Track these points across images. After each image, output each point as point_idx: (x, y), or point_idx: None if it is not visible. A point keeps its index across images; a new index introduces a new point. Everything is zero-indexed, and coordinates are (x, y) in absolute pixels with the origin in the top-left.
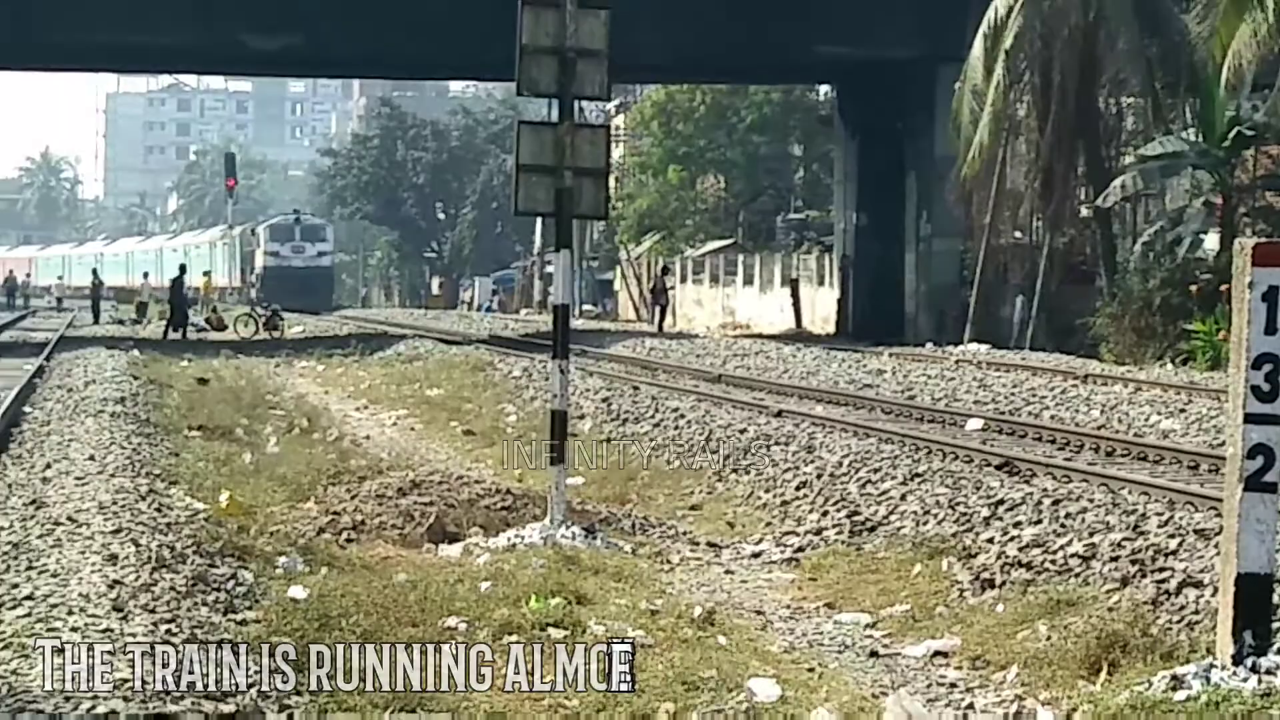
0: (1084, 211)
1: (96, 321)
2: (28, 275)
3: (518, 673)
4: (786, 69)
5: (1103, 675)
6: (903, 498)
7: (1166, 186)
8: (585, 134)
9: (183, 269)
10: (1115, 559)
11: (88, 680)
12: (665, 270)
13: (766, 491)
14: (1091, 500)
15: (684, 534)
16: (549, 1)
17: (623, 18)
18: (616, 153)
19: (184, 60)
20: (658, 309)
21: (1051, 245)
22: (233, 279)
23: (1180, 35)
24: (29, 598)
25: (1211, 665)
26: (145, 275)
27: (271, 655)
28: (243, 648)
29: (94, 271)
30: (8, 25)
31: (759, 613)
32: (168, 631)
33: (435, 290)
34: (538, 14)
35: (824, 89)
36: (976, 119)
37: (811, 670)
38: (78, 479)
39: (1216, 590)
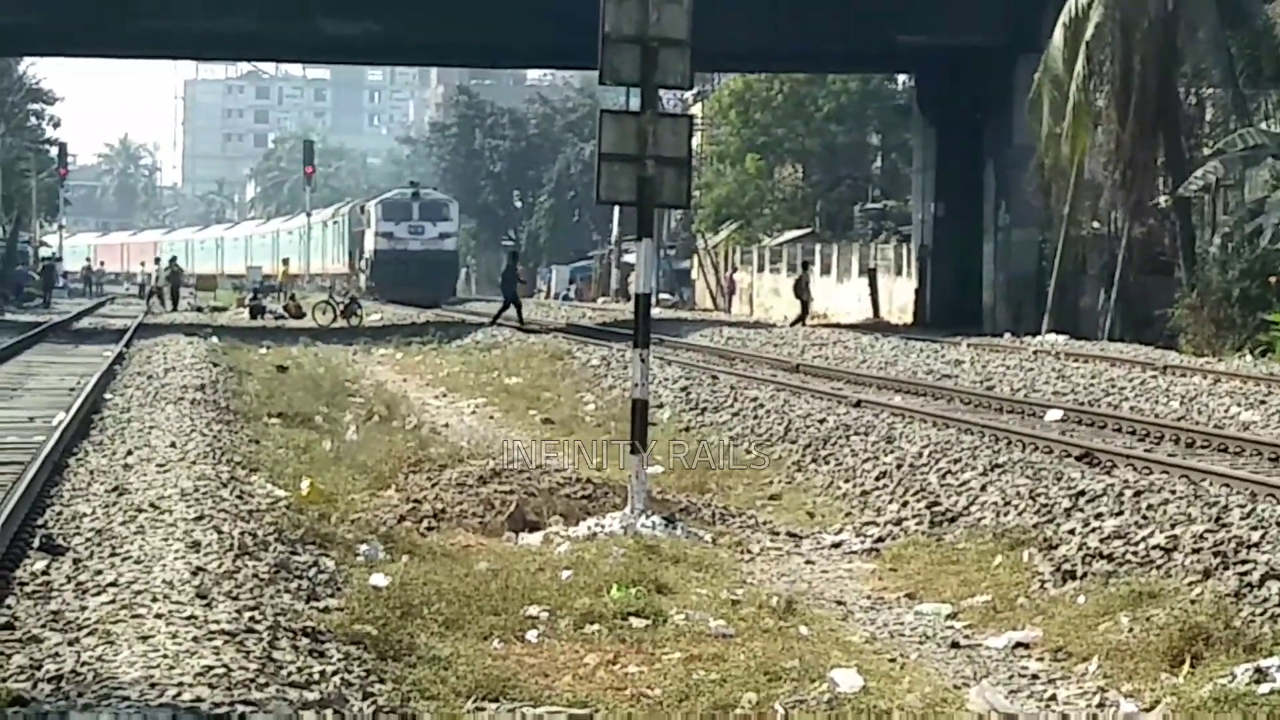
0: (1163, 202)
1: (175, 309)
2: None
3: (600, 662)
4: (865, 58)
5: (1185, 668)
6: (983, 488)
7: (1247, 178)
8: (667, 123)
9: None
10: (1197, 551)
11: (172, 668)
12: (806, 265)
13: (846, 481)
14: (1173, 492)
15: (764, 524)
16: None
17: (703, 6)
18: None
19: (263, 47)
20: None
21: (1130, 236)
22: (343, 263)
23: (1263, 25)
24: (113, 584)
25: None
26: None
27: (355, 643)
28: (326, 635)
29: (172, 259)
30: (89, 13)
31: (840, 603)
32: (251, 619)
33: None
34: (620, 3)
35: (902, 78)
36: (1056, 109)
37: (893, 661)
38: (159, 466)
39: None
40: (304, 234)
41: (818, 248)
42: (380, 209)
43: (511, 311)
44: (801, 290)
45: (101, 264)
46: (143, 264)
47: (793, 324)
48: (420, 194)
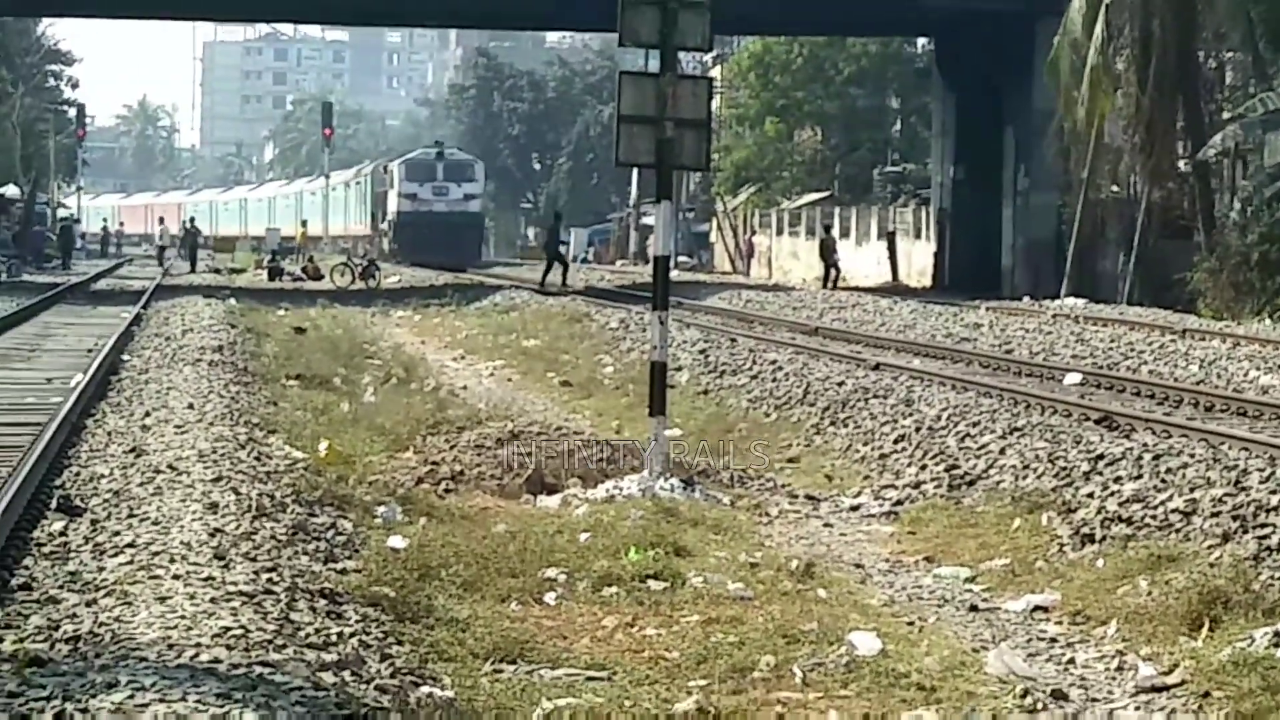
0: (1183, 166)
1: (193, 270)
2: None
3: (618, 624)
4: (885, 21)
5: (1204, 631)
6: (1002, 452)
7: (1266, 142)
8: (687, 85)
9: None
10: (1216, 515)
11: (190, 629)
12: (828, 228)
13: (864, 445)
14: (1192, 455)
15: (782, 486)
16: None
17: None
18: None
19: (282, 9)
20: (830, 268)
21: (1150, 200)
22: (365, 225)
23: None
24: (130, 545)
25: None
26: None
27: (373, 605)
28: (344, 597)
29: (190, 219)
30: None
31: (858, 566)
32: (269, 580)
33: (531, 241)
34: None
35: (922, 42)
36: (1076, 73)
37: (911, 624)
38: (177, 427)
39: None
40: (346, 189)
41: (837, 211)
42: (404, 169)
43: (555, 276)
44: (827, 253)
45: (122, 225)
46: (161, 220)
47: (825, 286)
48: (445, 154)
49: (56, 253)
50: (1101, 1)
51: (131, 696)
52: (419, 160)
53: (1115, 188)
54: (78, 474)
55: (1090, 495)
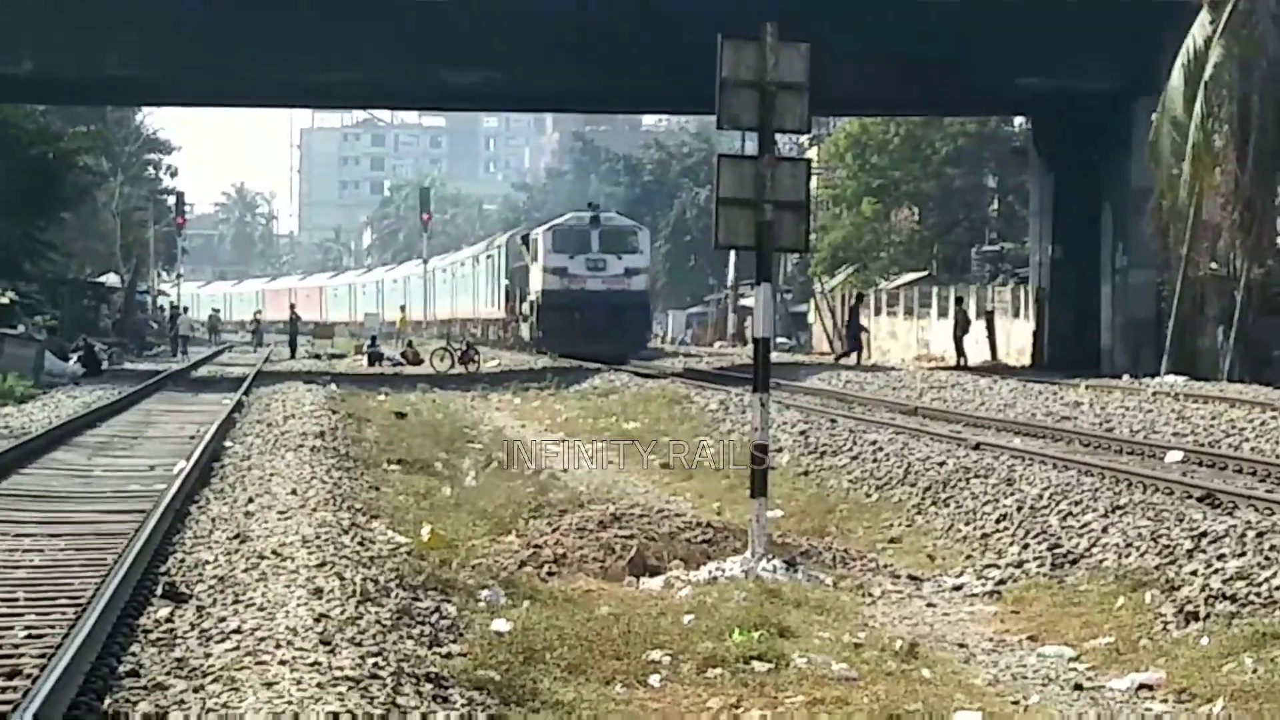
0: None
1: (293, 356)
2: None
3: (722, 705)
4: (982, 101)
5: None
6: (1104, 530)
7: None
8: (786, 167)
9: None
10: None
11: (297, 714)
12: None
13: (966, 524)
14: None
15: (885, 567)
16: (749, 35)
17: (820, 50)
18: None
19: (381, 95)
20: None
21: (1249, 277)
22: (498, 306)
23: None
24: (236, 631)
25: None
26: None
27: (478, 689)
28: (449, 681)
29: (290, 307)
30: (207, 65)
31: (962, 645)
32: (375, 665)
33: None
34: (738, 48)
35: (1019, 121)
36: (1176, 150)
37: (1016, 704)
38: (280, 513)
39: None
40: (474, 264)
41: (935, 290)
42: (550, 238)
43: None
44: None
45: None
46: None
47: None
48: (601, 218)
49: (158, 340)
50: (1200, 79)
51: None
52: (569, 227)
53: (1214, 265)
54: (183, 560)
55: (1194, 573)
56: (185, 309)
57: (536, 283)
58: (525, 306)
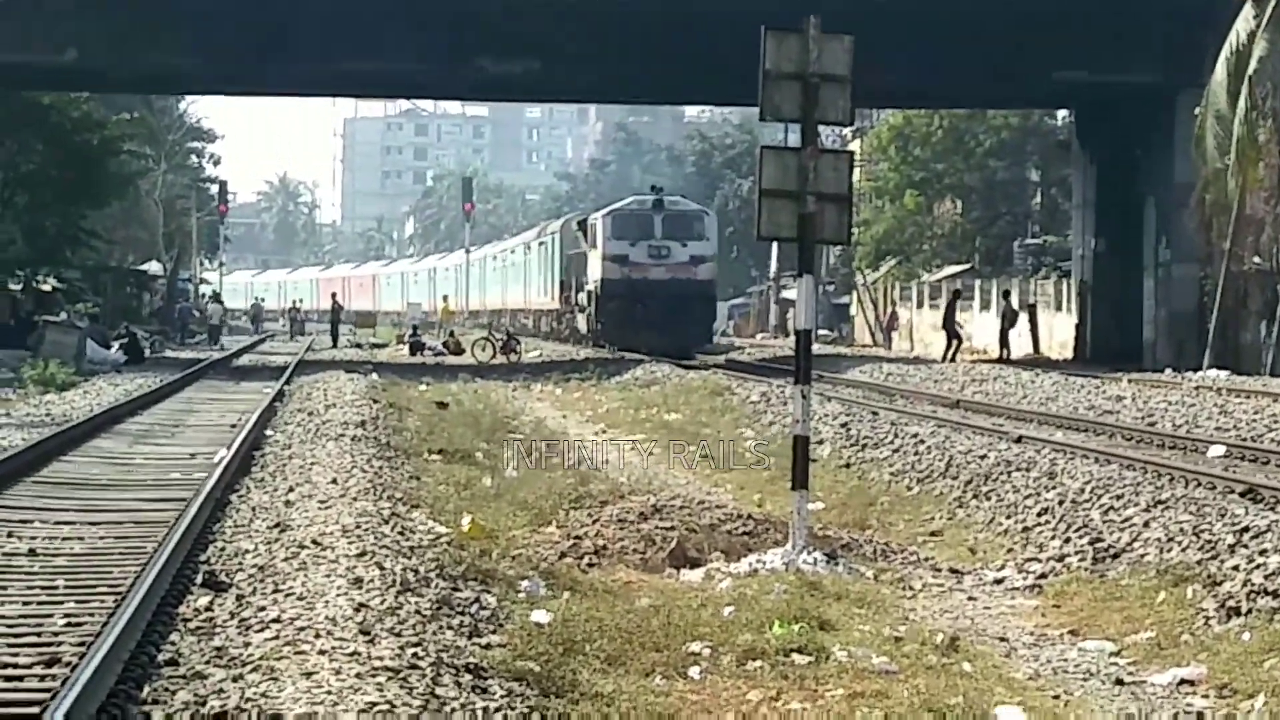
0: None
1: (335, 345)
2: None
3: (762, 698)
4: (1025, 94)
5: None
6: (1146, 525)
7: None
8: (829, 159)
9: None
10: None
11: (336, 704)
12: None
13: (1008, 518)
14: None
15: (925, 560)
16: (792, 27)
17: (863, 43)
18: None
19: (420, 85)
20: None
21: None
22: (552, 296)
23: None
24: (276, 621)
25: None
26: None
27: (518, 680)
28: (489, 672)
29: (333, 296)
30: (249, 54)
31: (1003, 639)
32: (414, 655)
33: None
34: (781, 40)
35: (1062, 114)
36: (1220, 144)
37: (1057, 698)
38: (320, 502)
39: None
40: (526, 251)
41: (977, 283)
42: (610, 224)
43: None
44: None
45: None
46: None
47: (999, 359)
48: (665, 202)
49: (200, 329)
50: (1244, 73)
51: None
52: (630, 211)
53: (1257, 259)
54: (223, 549)
55: (1236, 568)
56: (218, 296)
57: (595, 271)
58: (582, 297)
